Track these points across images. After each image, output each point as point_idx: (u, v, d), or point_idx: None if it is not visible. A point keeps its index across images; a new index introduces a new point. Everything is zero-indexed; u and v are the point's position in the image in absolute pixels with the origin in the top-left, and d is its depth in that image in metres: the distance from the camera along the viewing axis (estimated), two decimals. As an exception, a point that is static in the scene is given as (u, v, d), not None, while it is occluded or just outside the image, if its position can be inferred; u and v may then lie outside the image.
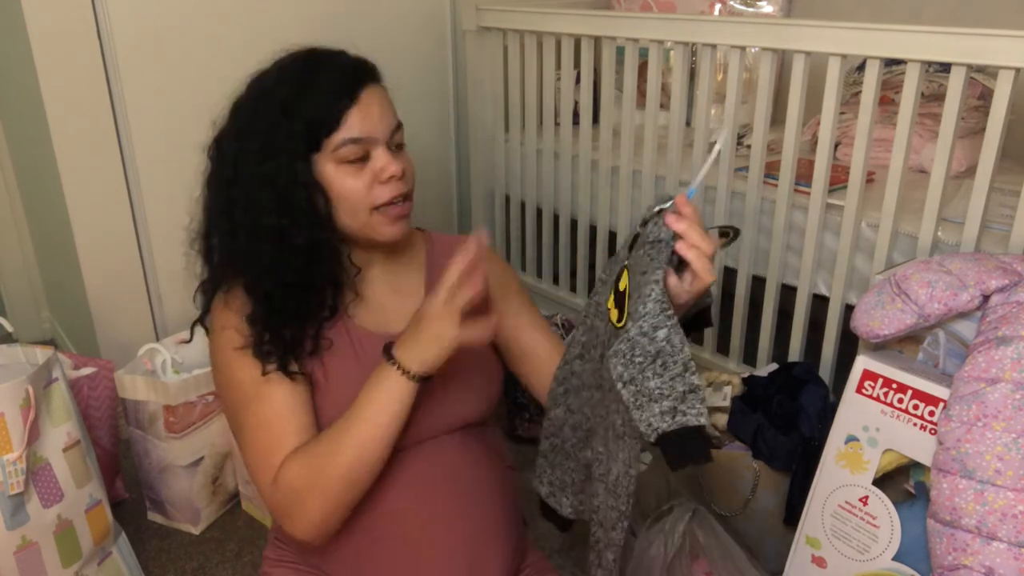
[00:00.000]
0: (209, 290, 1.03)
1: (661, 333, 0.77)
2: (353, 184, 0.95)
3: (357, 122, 0.94)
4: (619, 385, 0.78)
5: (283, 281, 0.95)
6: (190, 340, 1.15)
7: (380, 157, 0.95)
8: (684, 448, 0.75)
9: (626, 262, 0.85)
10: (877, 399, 1.05)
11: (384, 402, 0.92)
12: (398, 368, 0.91)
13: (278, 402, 0.94)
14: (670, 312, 0.77)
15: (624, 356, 0.78)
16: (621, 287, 0.83)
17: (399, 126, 0.99)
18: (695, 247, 0.79)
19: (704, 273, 0.79)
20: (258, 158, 0.94)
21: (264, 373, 0.94)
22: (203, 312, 1.04)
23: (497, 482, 1.05)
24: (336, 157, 0.94)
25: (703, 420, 0.75)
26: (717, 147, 0.81)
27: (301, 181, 0.94)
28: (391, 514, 0.97)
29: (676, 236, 0.79)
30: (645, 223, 0.81)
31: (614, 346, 0.79)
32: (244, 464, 0.99)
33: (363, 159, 0.95)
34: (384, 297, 1.05)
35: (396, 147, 0.98)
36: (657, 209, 0.81)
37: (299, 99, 0.94)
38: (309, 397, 0.97)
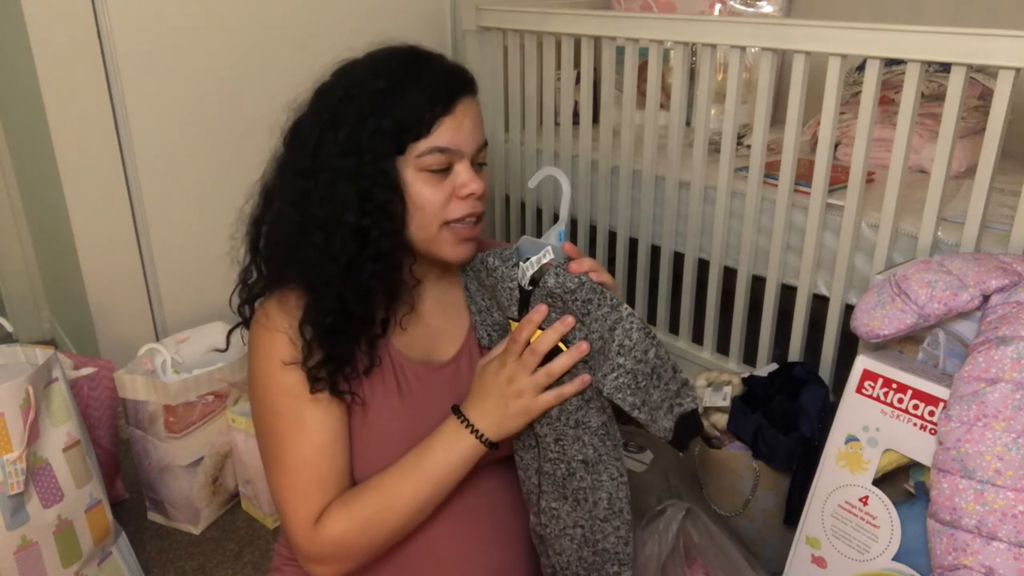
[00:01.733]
0: (259, 286, 0.98)
1: (651, 353, 0.86)
2: (431, 195, 0.91)
3: (448, 132, 0.90)
4: (634, 412, 0.87)
5: (361, 286, 0.91)
6: (226, 349, 1.11)
7: (462, 172, 0.92)
8: (684, 432, 0.90)
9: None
10: (877, 399, 1.05)
11: (456, 466, 0.91)
12: (475, 433, 0.91)
13: (320, 440, 0.91)
14: (650, 331, 0.86)
15: (630, 388, 0.86)
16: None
17: (485, 144, 0.95)
18: (601, 275, 0.90)
19: (614, 286, 0.91)
20: (340, 150, 0.90)
21: (313, 391, 0.90)
22: (242, 303, 0.99)
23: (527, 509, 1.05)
24: (419, 164, 0.90)
25: (694, 404, 0.90)
26: (565, 190, 0.94)
27: (384, 182, 0.90)
28: (424, 541, 0.96)
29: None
30: (535, 282, 0.89)
31: (610, 384, 0.86)
32: (272, 493, 0.95)
33: (445, 171, 0.92)
34: (430, 318, 1.02)
35: (478, 165, 0.95)
36: (538, 263, 0.89)
37: (393, 97, 0.89)
38: (347, 428, 0.94)
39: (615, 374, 0.86)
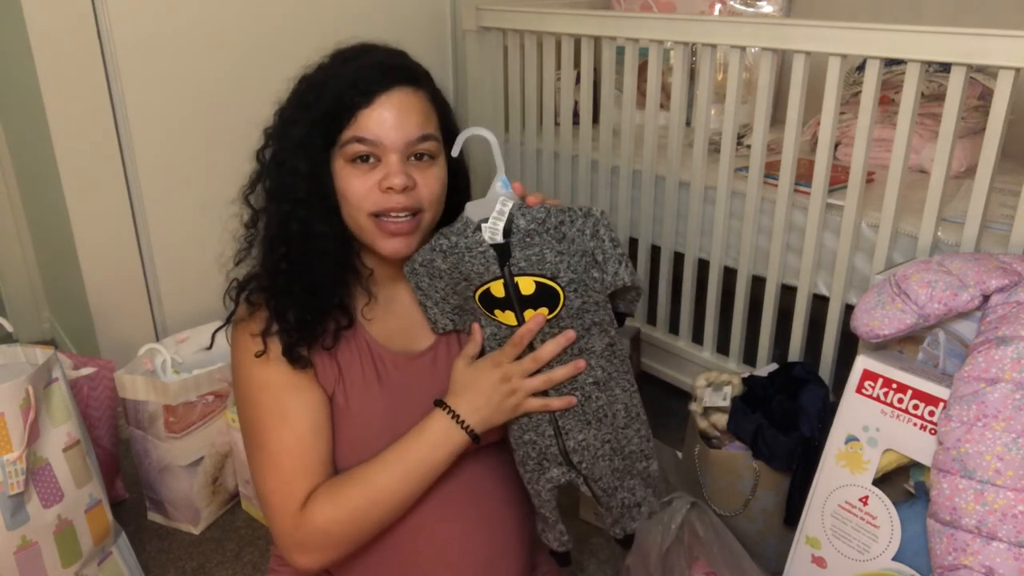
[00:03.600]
0: (239, 287, 1.01)
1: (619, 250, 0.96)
2: (355, 185, 0.93)
3: (368, 123, 0.91)
4: (638, 284, 0.98)
5: (277, 265, 0.95)
6: (210, 347, 1.14)
7: (387, 165, 0.93)
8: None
9: (510, 270, 0.93)
10: (877, 399, 1.05)
11: (443, 460, 0.94)
12: (463, 427, 0.93)
13: (302, 429, 0.93)
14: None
15: (630, 272, 0.95)
16: (526, 291, 0.93)
17: (424, 137, 0.95)
18: (552, 200, 0.96)
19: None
20: (275, 143, 0.96)
21: (259, 354, 0.93)
22: (234, 292, 1.02)
23: (514, 497, 1.06)
24: (343, 154, 0.93)
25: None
26: (494, 144, 0.96)
27: (301, 170, 0.93)
28: (411, 529, 0.97)
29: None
30: (509, 233, 0.92)
31: (626, 273, 0.95)
32: (255, 485, 0.97)
33: (374, 161, 0.93)
34: (408, 309, 1.04)
35: (417, 158, 0.95)
36: (505, 215, 0.92)
37: (318, 91, 0.93)
38: (329, 418, 0.96)
39: (623, 264, 0.94)
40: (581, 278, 0.93)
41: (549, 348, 0.93)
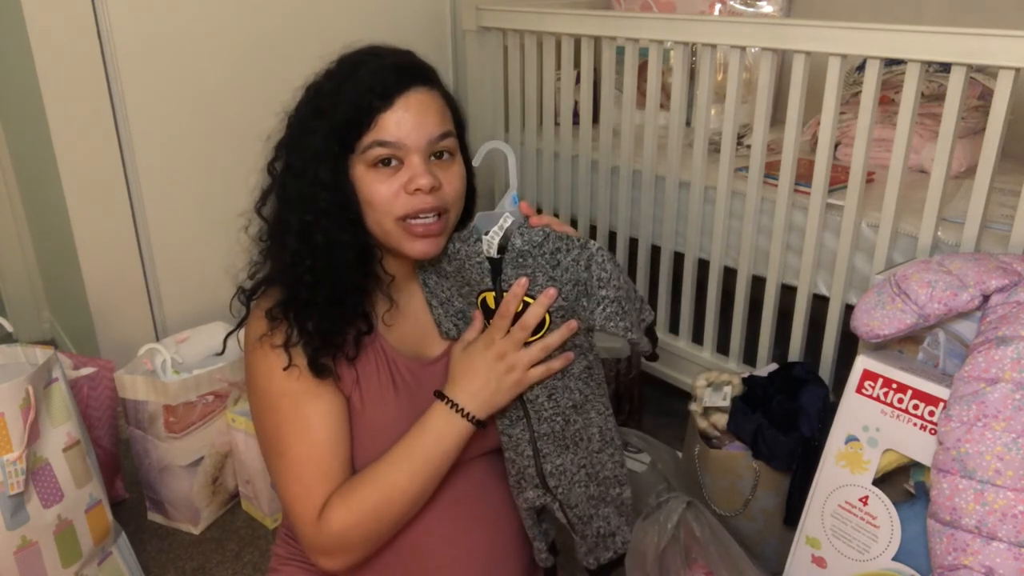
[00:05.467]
0: (248, 293, 1.00)
1: (622, 279, 0.94)
2: (381, 189, 0.91)
3: (388, 125, 0.90)
4: (627, 335, 0.95)
5: (301, 278, 0.93)
6: (222, 352, 1.14)
7: (411, 166, 0.91)
8: (653, 342, 1.03)
9: (501, 285, 0.93)
10: (877, 399, 1.05)
11: (448, 452, 0.93)
12: (464, 415, 0.93)
13: (322, 436, 0.93)
14: (615, 260, 0.94)
15: (618, 315, 0.93)
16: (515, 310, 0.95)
17: (445, 135, 0.94)
18: (561, 226, 0.95)
19: (576, 234, 0.95)
20: (290, 154, 0.95)
21: (286, 368, 0.92)
22: (237, 298, 1.02)
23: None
24: (365, 159, 0.91)
25: (652, 314, 1.03)
26: (511, 160, 0.97)
27: (322, 180, 0.91)
28: (416, 529, 0.97)
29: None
30: (502, 249, 0.92)
31: (601, 316, 0.93)
32: (277, 492, 0.96)
33: (396, 164, 0.92)
34: (420, 314, 1.03)
35: (438, 156, 0.94)
36: (502, 230, 0.91)
37: (333, 98, 0.92)
38: (347, 422, 0.96)
39: (602, 306, 0.92)
40: (572, 306, 0.93)
41: (535, 311, 0.91)
